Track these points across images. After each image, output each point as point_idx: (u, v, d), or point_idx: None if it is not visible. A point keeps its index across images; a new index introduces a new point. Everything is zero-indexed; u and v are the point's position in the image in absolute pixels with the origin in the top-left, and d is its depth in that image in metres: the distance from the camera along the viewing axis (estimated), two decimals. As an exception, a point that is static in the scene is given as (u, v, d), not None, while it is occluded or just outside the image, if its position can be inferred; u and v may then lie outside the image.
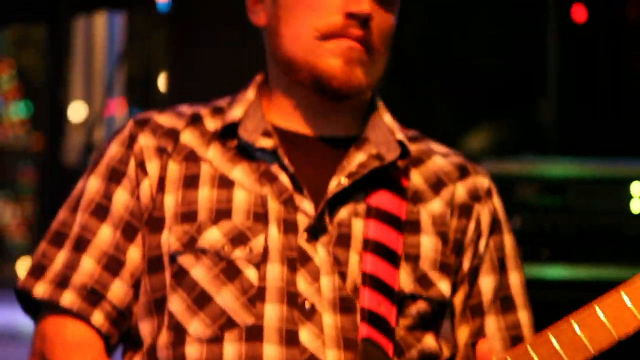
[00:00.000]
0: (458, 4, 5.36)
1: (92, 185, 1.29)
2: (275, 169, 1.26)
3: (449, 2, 5.63)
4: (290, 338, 1.23)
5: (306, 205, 1.22)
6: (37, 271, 1.26)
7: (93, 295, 1.28)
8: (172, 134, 1.30)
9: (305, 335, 1.22)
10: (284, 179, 1.24)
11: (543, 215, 2.97)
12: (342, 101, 1.32)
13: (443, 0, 5.45)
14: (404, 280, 1.26)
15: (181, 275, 1.24)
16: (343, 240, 1.25)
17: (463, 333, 1.45)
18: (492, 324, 1.53)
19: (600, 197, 3.03)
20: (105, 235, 1.27)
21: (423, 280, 1.29)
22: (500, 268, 1.42)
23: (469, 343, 1.30)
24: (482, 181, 1.34)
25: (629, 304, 1.45)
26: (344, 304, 1.23)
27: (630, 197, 2.98)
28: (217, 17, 4.29)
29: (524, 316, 1.57)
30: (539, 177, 3.00)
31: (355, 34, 1.18)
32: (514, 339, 1.54)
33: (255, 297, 1.23)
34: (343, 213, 1.24)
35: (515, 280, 1.56)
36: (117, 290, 1.28)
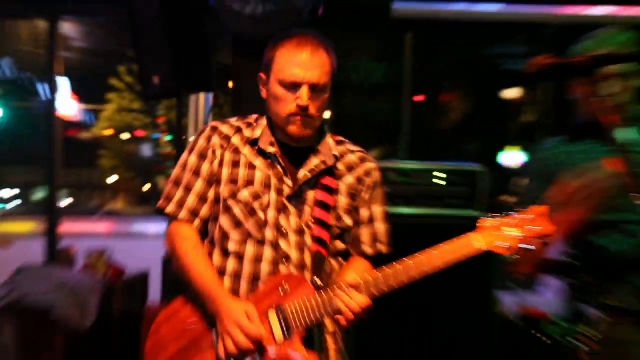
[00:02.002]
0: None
1: (192, 160, 2.24)
2: (276, 162, 2.19)
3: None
4: (276, 245, 2.14)
5: (288, 182, 2.17)
6: (167, 199, 2.22)
7: (194, 214, 2.23)
8: (227, 138, 2.23)
9: (283, 244, 2.15)
10: (279, 167, 2.18)
11: (398, 186, 3.86)
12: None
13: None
14: (332, 219, 2.20)
15: (228, 210, 2.19)
16: (304, 201, 2.19)
17: (355, 234, 2.30)
18: (366, 231, 2.33)
19: (424, 177, 3.92)
20: (199, 184, 2.22)
21: (339, 219, 2.23)
22: (372, 205, 2.32)
23: (354, 235, 2.29)
24: (371, 166, 2.31)
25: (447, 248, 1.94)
26: (301, 231, 2.17)
27: (436, 177, 3.89)
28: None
29: (380, 227, 2.34)
30: (397, 168, 3.88)
31: (303, 113, 2.10)
32: (374, 238, 2.34)
33: (262, 225, 2.15)
34: (305, 187, 2.18)
35: (379, 209, 2.33)
36: (204, 211, 2.23)
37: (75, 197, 25.29)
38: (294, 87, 2.08)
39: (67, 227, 7.98)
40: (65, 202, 23.17)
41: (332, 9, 4.35)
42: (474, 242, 1.95)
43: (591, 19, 4.67)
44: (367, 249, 2.28)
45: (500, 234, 1.94)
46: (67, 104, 14.78)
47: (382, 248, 2.30)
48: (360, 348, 3.65)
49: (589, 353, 2.33)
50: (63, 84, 14.78)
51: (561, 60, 1.93)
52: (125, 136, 19.53)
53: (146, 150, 19.13)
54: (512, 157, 9.20)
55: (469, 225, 3.12)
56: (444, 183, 3.92)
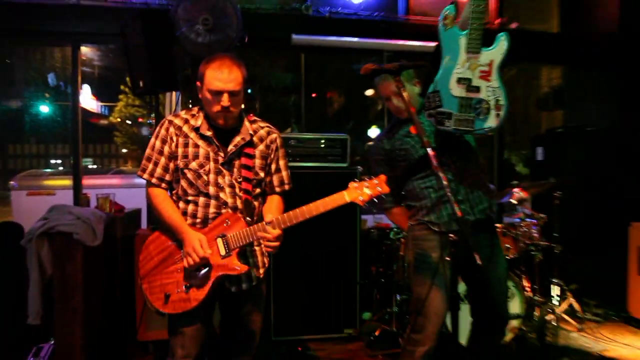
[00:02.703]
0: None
1: (157, 144, 2.18)
2: (212, 142, 2.14)
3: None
4: (217, 197, 2.11)
5: (221, 154, 2.14)
6: (142, 170, 2.19)
7: (160, 180, 2.18)
8: (179, 128, 2.16)
9: (222, 195, 2.12)
10: (214, 145, 2.14)
11: (298, 149, 3.94)
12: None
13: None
14: (252, 175, 2.18)
15: (184, 175, 2.15)
16: (232, 165, 2.15)
17: (268, 180, 2.28)
18: (276, 177, 2.30)
19: (314, 143, 3.99)
20: (163, 160, 2.17)
21: (256, 173, 2.19)
22: (277, 161, 2.29)
23: (268, 181, 2.28)
24: (274, 135, 2.27)
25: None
26: (232, 185, 2.14)
27: (321, 143, 4.01)
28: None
29: (284, 173, 2.31)
30: (297, 137, 3.94)
31: (225, 111, 2.06)
32: (281, 182, 2.31)
33: (207, 184, 2.12)
34: (233, 156, 2.15)
35: (282, 162, 2.31)
36: (167, 177, 2.19)
37: (99, 163, 24.97)
38: (218, 94, 2.04)
39: (91, 181, 7.79)
40: (92, 166, 22.89)
41: (254, 38, 4.31)
42: (345, 196, 1.99)
43: (407, 47, 4.85)
44: (277, 189, 2.28)
45: (361, 192, 1.99)
46: (90, 102, 14.48)
47: (287, 187, 2.30)
48: (277, 262, 3.80)
49: (404, 243, 2.45)
50: (86, 89, 14.38)
51: (379, 66, 2.00)
52: (130, 122, 19.17)
53: (144, 131, 19.08)
54: (374, 132, 9.55)
55: (340, 173, 3.64)
56: (323, 146, 4.01)
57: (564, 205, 4.18)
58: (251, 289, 2.19)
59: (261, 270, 2.23)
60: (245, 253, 2.17)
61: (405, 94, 1.93)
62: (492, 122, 2.15)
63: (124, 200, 4.02)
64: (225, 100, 2.03)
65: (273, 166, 2.25)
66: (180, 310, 2.05)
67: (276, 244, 2.03)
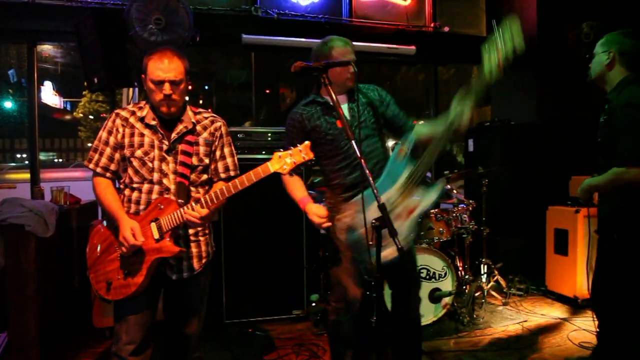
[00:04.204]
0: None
1: (104, 135, 2.11)
2: (157, 130, 2.09)
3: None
4: (160, 182, 2.05)
5: (165, 142, 2.08)
6: (89, 160, 2.11)
7: (105, 169, 2.12)
8: (126, 119, 2.11)
9: (165, 181, 2.06)
10: (159, 133, 2.08)
11: (246, 142, 3.86)
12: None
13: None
14: (195, 161, 2.12)
15: (130, 163, 2.09)
16: (175, 152, 2.09)
17: (213, 167, 2.20)
18: (220, 164, 2.20)
19: (261, 136, 3.94)
20: (109, 150, 2.11)
21: (200, 159, 2.12)
22: (222, 148, 2.20)
23: (213, 168, 2.20)
24: (218, 124, 2.20)
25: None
26: (176, 172, 2.07)
27: (269, 136, 4.16)
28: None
29: (229, 160, 2.22)
30: (244, 131, 3.92)
31: (167, 99, 2.01)
32: (225, 168, 2.21)
33: (151, 171, 2.05)
34: (175, 144, 2.09)
35: (227, 149, 2.21)
36: (112, 167, 2.12)
37: (64, 157, 23.96)
38: (160, 83, 1.98)
39: (53, 175, 7.46)
40: (58, 160, 21.98)
41: (207, 37, 4.25)
42: (269, 167, 1.88)
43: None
44: (222, 175, 2.19)
45: (284, 161, 1.87)
46: (53, 98, 13.82)
47: (232, 173, 2.20)
48: (228, 249, 3.73)
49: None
50: (48, 85, 13.71)
51: (308, 64, 1.96)
52: (92, 117, 18.52)
53: (107, 126, 18.52)
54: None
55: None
56: (270, 139, 3.97)
57: (491, 191, 4.32)
58: (193, 278, 2.13)
59: (204, 260, 2.16)
60: (188, 240, 2.11)
61: (332, 90, 1.89)
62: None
63: (85, 192, 3.87)
64: (166, 88, 1.96)
65: (218, 153, 2.18)
66: (122, 296, 1.99)
67: (202, 222, 1.94)
